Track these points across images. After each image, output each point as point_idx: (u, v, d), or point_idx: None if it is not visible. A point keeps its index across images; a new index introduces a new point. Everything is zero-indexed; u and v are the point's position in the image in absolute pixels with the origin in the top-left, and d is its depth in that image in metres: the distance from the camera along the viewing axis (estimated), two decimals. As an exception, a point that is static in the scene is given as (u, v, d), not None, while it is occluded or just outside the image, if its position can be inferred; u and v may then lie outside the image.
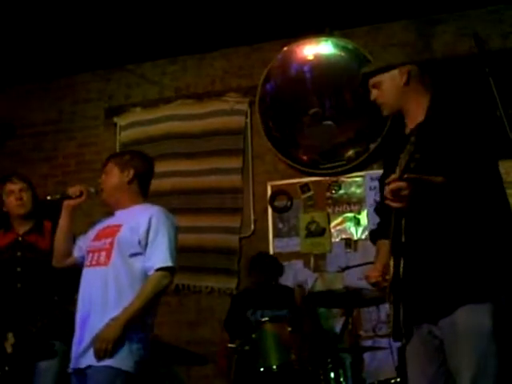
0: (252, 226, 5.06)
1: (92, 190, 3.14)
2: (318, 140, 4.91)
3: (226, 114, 5.26)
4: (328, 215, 4.91)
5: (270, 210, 5.05)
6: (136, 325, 2.84)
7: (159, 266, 2.91)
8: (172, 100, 5.46)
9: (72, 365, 2.90)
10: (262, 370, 3.66)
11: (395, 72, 2.51)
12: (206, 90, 5.40)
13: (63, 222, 3.16)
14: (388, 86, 2.52)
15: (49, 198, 3.12)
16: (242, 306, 4.39)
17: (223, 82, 5.37)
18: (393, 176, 2.21)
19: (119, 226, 2.99)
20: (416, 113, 2.48)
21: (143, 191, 3.16)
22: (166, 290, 2.99)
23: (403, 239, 2.34)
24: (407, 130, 2.52)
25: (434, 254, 2.31)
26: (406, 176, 2.15)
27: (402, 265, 2.33)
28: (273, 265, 4.48)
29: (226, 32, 5.08)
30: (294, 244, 4.94)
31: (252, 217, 5.07)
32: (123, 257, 2.92)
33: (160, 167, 5.25)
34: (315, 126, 4.90)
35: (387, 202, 2.27)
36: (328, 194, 4.94)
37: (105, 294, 2.88)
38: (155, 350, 4.02)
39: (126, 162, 3.14)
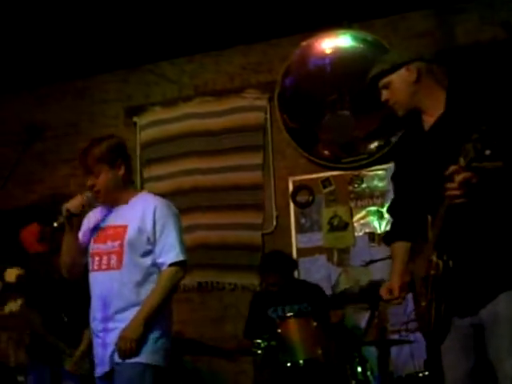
0: (274, 222, 5.03)
1: (89, 194, 3.00)
2: (335, 131, 4.87)
3: (246, 110, 5.24)
4: (351, 209, 4.87)
5: (291, 206, 5.02)
6: (156, 319, 2.86)
7: (172, 262, 2.91)
8: (191, 98, 5.45)
9: (99, 369, 2.91)
10: (288, 365, 3.65)
11: (402, 70, 2.46)
12: (224, 87, 5.38)
13: (71, 237, 3.01)
14: (398, 86, 2.46)
15: (56, 224, 2.96)
16: (262, 307, 4.37)
17: (242, 78, 5.35)
18: (454, 167, 2.08)
19: (125, 227, 2.95)
20: (434, 107, 2.42)
21: (130, 173, 3.11)
22: (180, 282, 3.01)
23: (446, 234, 2.28)
24: (426, 126, 2.46)
25: (477, 244, 2.26)
26: (474, 165, 2.02)
27: (445, 260, 2.28)
28: (283, 262, 4.43)
29: (243, 28, 5.06)
30: (316, 239, 4.91)
31: (274, 213, 5.05)
32: (135, 257, 2.91)
33: (181, 165, 5.32)
34: (333, 116, 4.86)
35: (451, 196, 2.14)
36: (350, 188, 4.90)
37: (123, 297, 2.89)
38: (180, 347, 4.06)
39: (111, 155, 2.99)
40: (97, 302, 2.95)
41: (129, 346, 2.78)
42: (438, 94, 2.43)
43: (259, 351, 3.81)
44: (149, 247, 2.93)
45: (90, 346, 3.09)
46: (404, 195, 2.62)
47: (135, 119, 5.58)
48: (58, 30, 4.92)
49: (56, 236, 3.16)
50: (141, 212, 2.96)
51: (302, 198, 5.01)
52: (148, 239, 2.92)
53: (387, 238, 2.76)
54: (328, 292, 4.57)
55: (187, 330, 4.68)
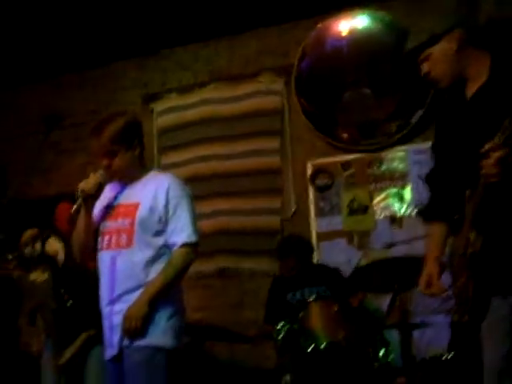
0: (293, 206, 4.99)
1: (103, 172, 2.92)
2: (355, 109, 4.79)
3: (262, 94, 5.18)
4: (370, 192, 4.81)
5: (310, 190, 4.97)
6: (167, 298, 2.80)
7: (183, 242, 2.84)
8: (206, 84, 5.41)
9: (108, 352, 2.85)
10: (310, 349, 3.61)
11: (443, 41, 2.37)
12: (239, 71, 5.32)
13: (87, 218, 2.93)
14: (439, 57, 2.38)
15: (73, 208, 2.89)
16: (281, 291, 4.37)
17: (257, 62, 5.28)
18: (490, 144, 2.02)
19: (136, 205, 2.87)
20: (477, 75, 2.34)
21: (143, 151, 3.02)
22: (191, 264, 2.91)
23: (484, 211, 2.22)
24: (468, 94, 2.39)
25: None
26: (511, 142, 1.96)
27: (482, 238, 2.23)
28: (300, 245, 4.43)
29: (258, 12, 4.99)
30: (336, 222, 4.86)
31: (293, 197, 5.00)
32: (146, 237, 2.84)
33: (198, 151, 5.30)
34: (353, 93, 4.79)
35: (487, 174, 2.09)
36: (370, 170, 4.83)
37: (132, 277, 2.81)
38: (201, 333, 4.05)
39: (128, 135, 2.91)
40: (105, 283, 2.88)
41: (134, 325, 2.72)
42: (482, 61, 2.35)
43: (280, 336, 3.78)
44: (160, 226, 2.85)
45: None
46: (443, 167, 2.54)
47: (152, 106, 5.55)
48: (74, 19, 4.90)
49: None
50: (153, 191, 2.89)
51: (320, 181, 4.96)
52: (160, 218, 2.85)
53: (426, 214, 2.65)
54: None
55: (208, 316, 4.68)
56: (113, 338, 2.82)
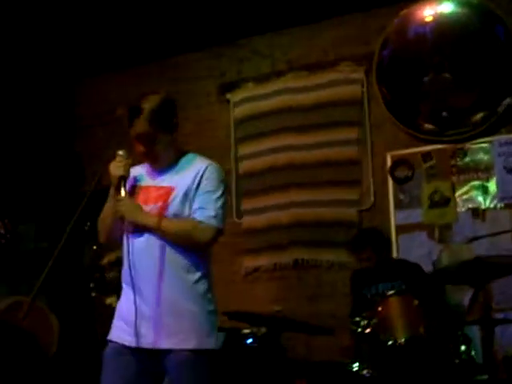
0: (372, 198, 4.90)
1: (121, 152, 2.79)
2: (437, 97, 4.63)
3: (341, 83, 5.10)
4: (453, 184, 4.67)
5: (390, 181, 4.87)
6: (204, 299, 2.72)
7: (201, 220, 2.69)
8: (284, 73, 5.36)
9: (137, 340, 2.65)
10: (390, 343, 3.55)
11: None
12: (318, 60, 5.25)
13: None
14: None
15: (123, 195, 2.77)
16: (357, 287, 4.36)
17: (336, 51, 5.20)
18: None
19: (170, 190, 2.74)
20: None
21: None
22: (194, 243, 2.71)
23: None
24: None
25: None
26: None
27: None
28: (375, 236, 4.38)
29: (338, -1, 4.93)
30: (416, 215, 4.75)
31: (371, 189, 4.91)
32: None
33: (275, 142, 5.26)
34: (434, 77, 4.63)
35: None
36: (452, 162, 4.68)
37: (159, 263, 2.68)
38: (277, 324, 4.02)
39: (165, 114, 2.76)
40: (131, 266, 2.69)
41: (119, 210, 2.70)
42: None
43: (358, 329, 3.73)
44: (189, 211, 2.73)
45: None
46: None
47: (228, 96, 5.55)
48: (153, 8, 4.95)
49: None
50: (190, 176, 2.75)
51: (400, 173, 4.85)
52: (190, 201, 2.73)
53: None
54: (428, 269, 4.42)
55: (284, 308, 4.64)
56: (150, 328, 2.65)
